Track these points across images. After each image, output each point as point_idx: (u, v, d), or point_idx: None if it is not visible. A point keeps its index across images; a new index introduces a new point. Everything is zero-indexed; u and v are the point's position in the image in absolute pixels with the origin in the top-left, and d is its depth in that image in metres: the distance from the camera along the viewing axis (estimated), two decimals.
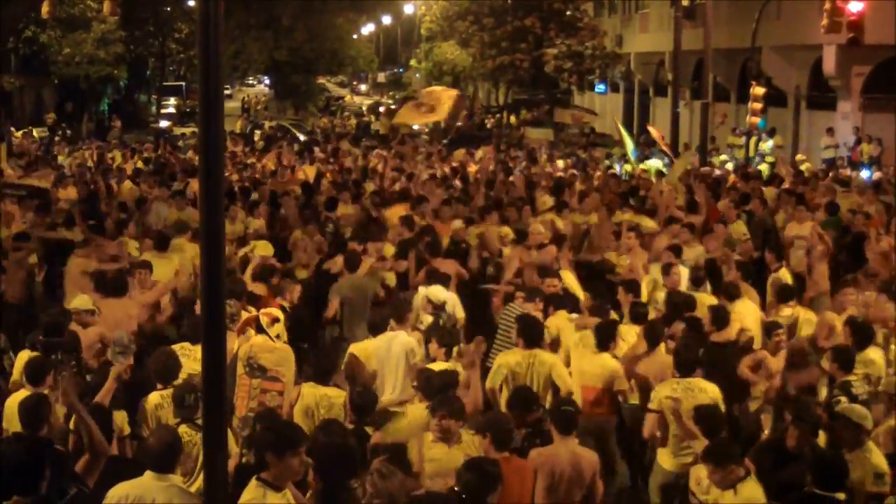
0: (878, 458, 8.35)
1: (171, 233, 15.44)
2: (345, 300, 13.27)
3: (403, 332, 11.08)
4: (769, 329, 11.50)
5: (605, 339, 10.64)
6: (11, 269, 14.79)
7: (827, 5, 26.70)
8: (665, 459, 9.65)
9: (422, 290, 12.76)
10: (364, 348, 10.93)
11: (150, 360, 9.63)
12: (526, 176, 23.99)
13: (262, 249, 14.82)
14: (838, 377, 9.88)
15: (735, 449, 8.24)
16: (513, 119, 51.04)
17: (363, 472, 7.14)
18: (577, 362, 10.77)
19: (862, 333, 10.47)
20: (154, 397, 9.08)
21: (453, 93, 25.15)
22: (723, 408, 9.49)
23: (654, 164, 28.40)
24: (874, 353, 10.36)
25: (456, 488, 7.23)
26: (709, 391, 9.56)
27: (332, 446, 7.37)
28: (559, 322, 11.75)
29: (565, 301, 12.30)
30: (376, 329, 11.12)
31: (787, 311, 12.33)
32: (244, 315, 10.94)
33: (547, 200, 19.42)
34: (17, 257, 14.85)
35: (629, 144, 27.56)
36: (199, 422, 8.01)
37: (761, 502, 7.78)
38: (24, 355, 9.90)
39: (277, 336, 10.46)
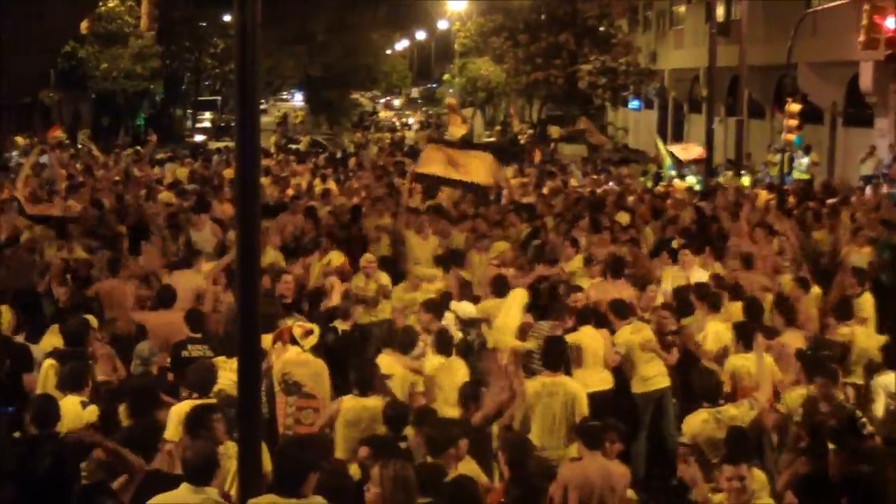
0: None
1: None
2: None
3: None
4: None
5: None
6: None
7: (864, 21, 26.57)
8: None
9: (452, 305, 12.72)
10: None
11: (187, 371, 9.67)
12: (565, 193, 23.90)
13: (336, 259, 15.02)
14: None
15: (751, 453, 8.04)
16: (554, 132, 50.81)
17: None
18: None
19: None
20: (185, 406, 9.07)
21: (487, 158, 22.66)
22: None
23: (690, 181, 28.29)
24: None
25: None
26: (739, 418, 9.30)
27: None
28: (581, 337, 11.75)
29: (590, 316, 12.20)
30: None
31: (845, 330, 12.22)
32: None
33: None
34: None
35: (667, 161, 27.45)
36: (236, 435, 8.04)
37: None
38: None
39: (311, 349, 10.51)
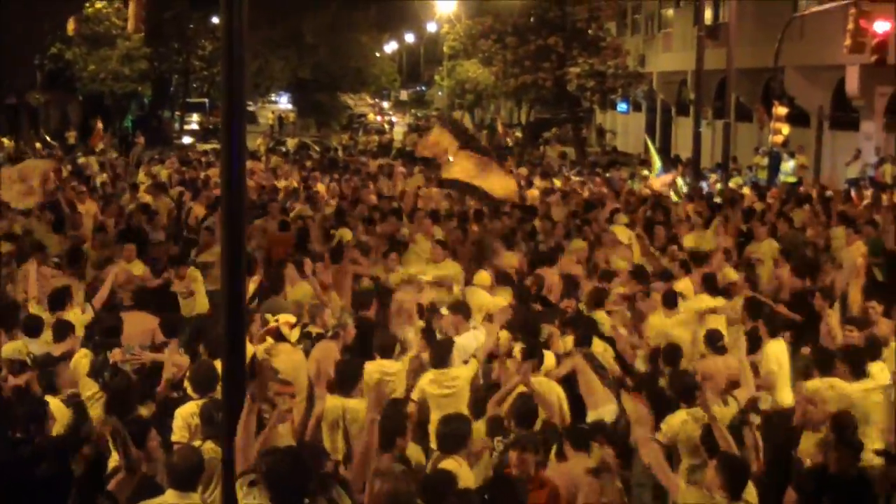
0: None
1: None
2: None
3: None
4: None
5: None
6: None
7: (851, 25, 26.62)
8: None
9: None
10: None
11: (191, 371, 9.68)
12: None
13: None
14: None
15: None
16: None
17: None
18: None
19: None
20: (190, 406, 9.06)
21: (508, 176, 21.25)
22: None
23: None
24: None
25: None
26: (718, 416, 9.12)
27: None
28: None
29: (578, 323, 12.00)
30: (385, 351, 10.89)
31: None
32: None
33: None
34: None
35: (657, 163, 27.36)
36: None
37: None
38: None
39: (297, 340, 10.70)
